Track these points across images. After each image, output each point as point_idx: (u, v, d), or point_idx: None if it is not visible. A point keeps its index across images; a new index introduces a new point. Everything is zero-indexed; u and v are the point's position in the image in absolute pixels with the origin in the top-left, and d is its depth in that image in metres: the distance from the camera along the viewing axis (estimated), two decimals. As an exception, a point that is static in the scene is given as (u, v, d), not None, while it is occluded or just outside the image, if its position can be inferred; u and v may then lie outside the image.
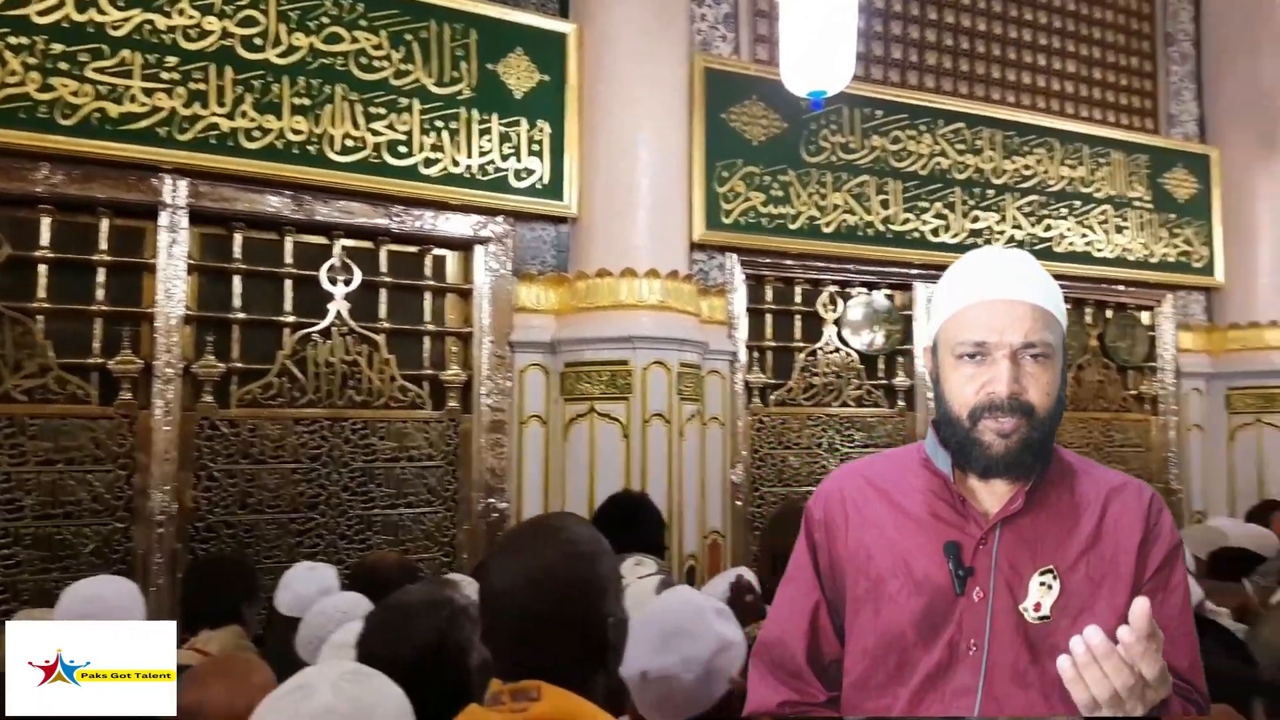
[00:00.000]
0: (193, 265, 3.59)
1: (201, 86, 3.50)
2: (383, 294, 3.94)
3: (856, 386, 4.92)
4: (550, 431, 4.06)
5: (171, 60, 3.46)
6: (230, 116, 3.54)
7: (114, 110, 3.36)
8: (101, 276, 3.47)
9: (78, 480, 3.37)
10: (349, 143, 3.73)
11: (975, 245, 5.05)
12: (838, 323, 4.90)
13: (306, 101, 3.67)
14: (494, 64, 4.03)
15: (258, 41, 3.61)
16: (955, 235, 5.06)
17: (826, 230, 4.73)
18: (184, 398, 3.53)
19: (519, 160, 4.05)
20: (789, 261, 4.73)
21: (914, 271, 5.02)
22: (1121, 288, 5.66)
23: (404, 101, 3.84)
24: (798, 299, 4.85)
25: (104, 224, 3.48)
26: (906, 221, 4.94)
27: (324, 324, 3.79)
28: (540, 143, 4.09)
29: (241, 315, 3.68)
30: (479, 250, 4.08)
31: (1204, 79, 6.08)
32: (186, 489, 3.51)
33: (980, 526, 1.31)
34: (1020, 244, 5.20)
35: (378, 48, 3.82)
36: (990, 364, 1.28)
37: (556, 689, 1.23)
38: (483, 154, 3.98)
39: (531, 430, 4.06)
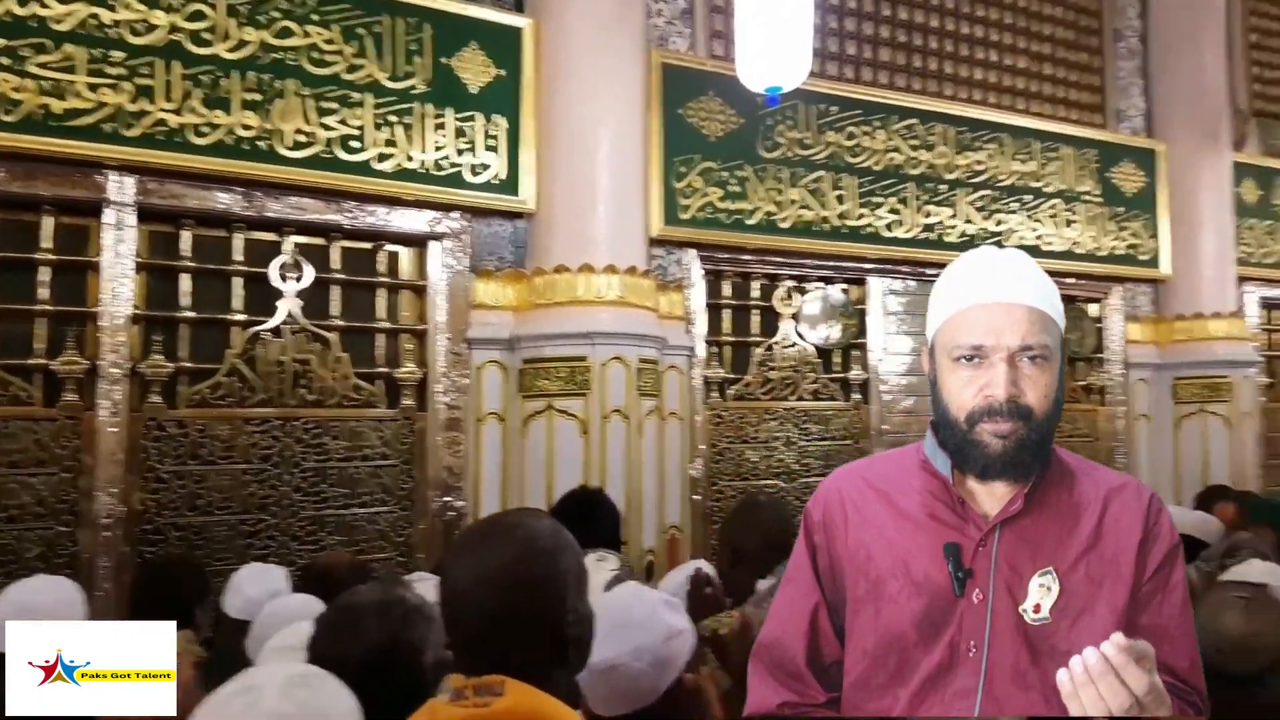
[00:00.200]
0: (140, 263, 3.53)
1: (149, 82, 3.43)
2: (335, 291, 3.90)
3: (813, 380, 4.96)
4: (508, 429, 4.04)
5: (117, 55, 3.39)
6: (178, 112, 3.48)
7: (58, 106, 3.29)
8: (45, 275, 3.40)
9: (21, 484, 3.29)
10: (300, 138, 3.68)
11: (928, 240, 5.15)
12: (794, 317, 4.94)
13: (257, 97, 3.61)
14: (449, 58, 4.00)
15: (206, 36, 3.55)
16: (909, 230, 5.11)
17: (783, 225, 4.75)
18: (131, 398, 3.46)
19: (475, 155, 4.02)
20: (747, 256, 4.75)
21: (869, 266, 5.07)
22: (1071, 280, 5.75)
23: (357, 96, 3.79)
24: (755, 294, 4.88)
25: (48, 222, 3.41)
26: (861, 216, 4.98)
27: (275, 322, 3.74)
28: (496, 138, 4.07)
29: (190, 314, 3.62)
30: (434, 246, 4.04)
31: (1150, 75, 6.19)
32: (134, 491, 3.44)
33: (979, 528, 1.31)
34: (972, 239, 5.27)
35: (330, 42, 3.77)
36: (988, 367, 1.28)
37: (520, 684, 1.23)
38: (438, 149, 3.94)
39: (489, 427, 4.04)
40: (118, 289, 3.44)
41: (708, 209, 4.55)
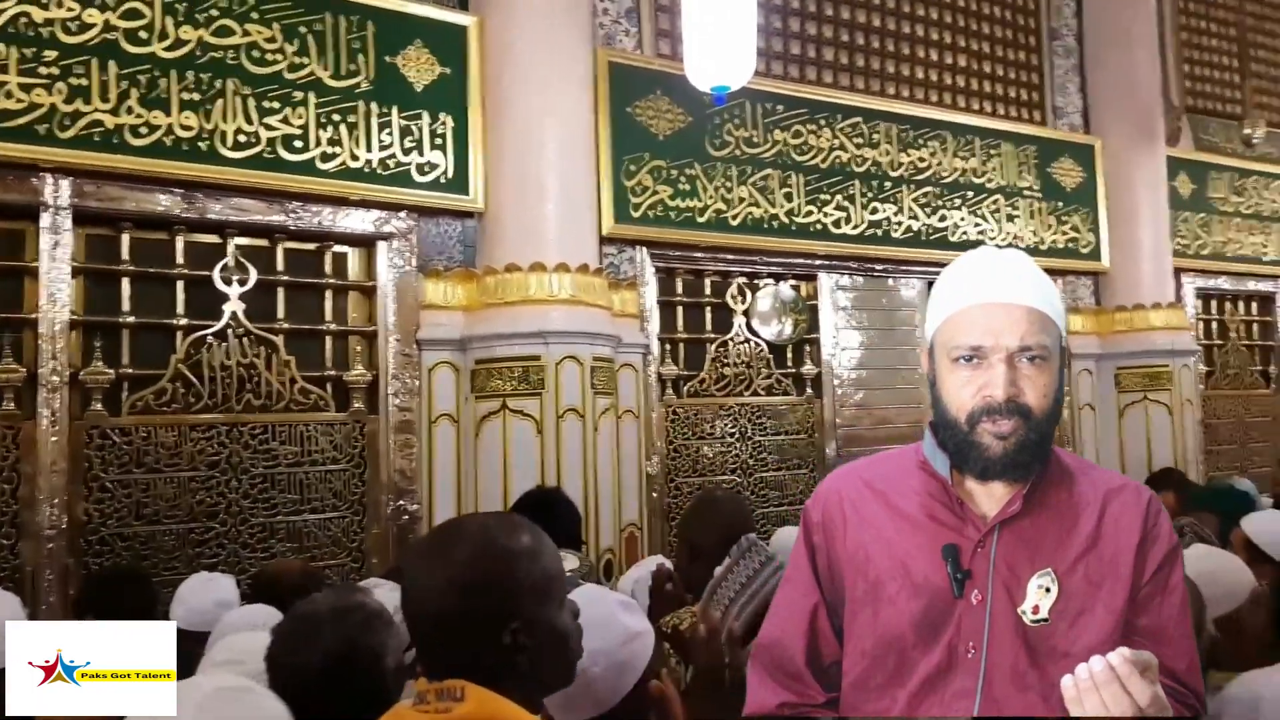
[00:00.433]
0: (78, 268, 3.44)
1: (83, 82, 3.35)
2: (280, 293, 3.83)
3: (766, 376, 4.99)
4: (461, 430, 4.01)
5: (50, 54, 3.30)
6: (115, 113, 3.40)
7: (-12, 107, 3.19)
8: (-22, 281, 3.30)
9: (-43, 496, 3.19)
10: (241, 138, 3.62)
11: (875, 236, 5.21)
12: (746, 314, 4.97)
13: (196, 96, 3.54)
14: (393, 56, 3.95)
15: (143, 35, 3.47)
16: (856, 226, 5.17)
17: (733, 223, 4.78)
18: (72, 406, 3.37)
19: (421, 154, 3.98)
20: (698, 254, 4.77)
21: (818, 262, 5.12)
22: (1014, 274, 5.84)
23: (299, 95, 3.74)
24: (708, 291, 4.90)
25: (-21, 226, 3.30)
26: (809, 213, 5.03)
27: (219, 326, 3.66)
28: (443, 136, 4.03)
29: (131, 319, 3.53)
30: (381, 246, 3.99)
31: (1086, 72, 6.34)
32: (77, 501, 3.35)
33: (978, 529, 1.31)
34: (916, 234, 5.35)
35: (270, 40, 3.70)
36: (987, 367, 1.28)
37: (480, 689, 1.20)
38: (383, 148, 3.90)
39: (442, 429, 4.00)
40: (56, 294, 3.34)
41: (658, 207, 4.56)
